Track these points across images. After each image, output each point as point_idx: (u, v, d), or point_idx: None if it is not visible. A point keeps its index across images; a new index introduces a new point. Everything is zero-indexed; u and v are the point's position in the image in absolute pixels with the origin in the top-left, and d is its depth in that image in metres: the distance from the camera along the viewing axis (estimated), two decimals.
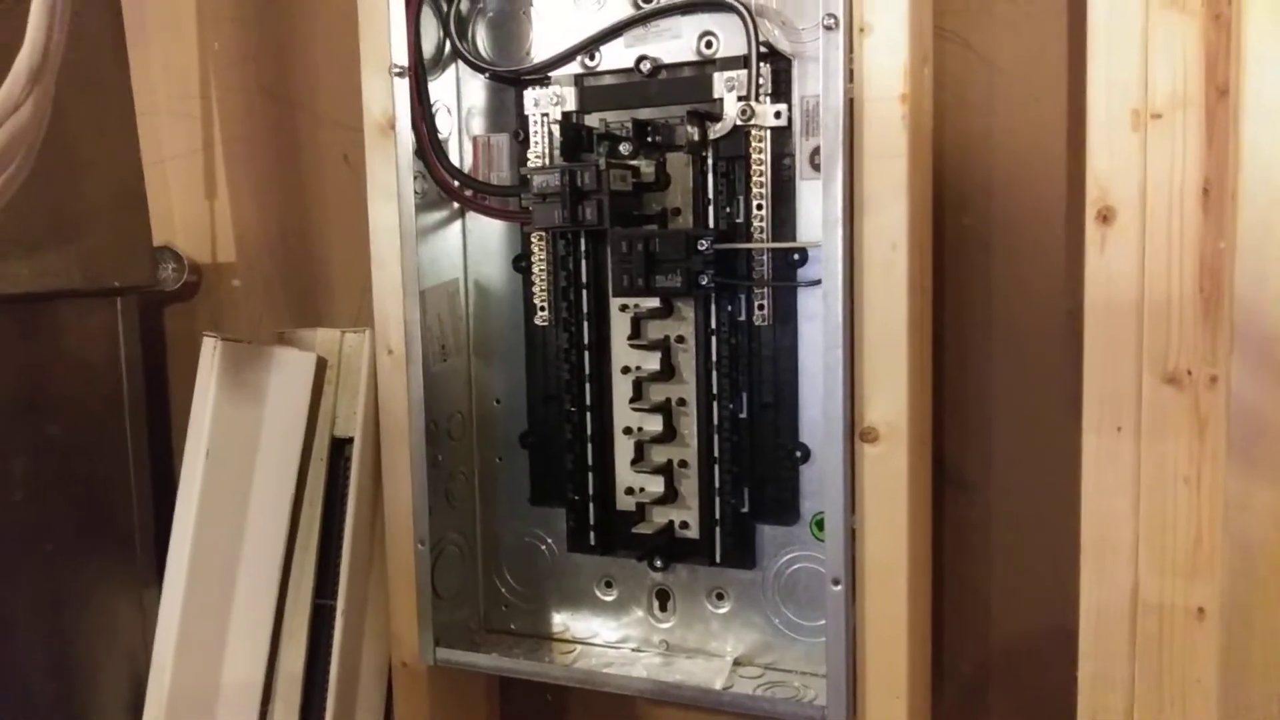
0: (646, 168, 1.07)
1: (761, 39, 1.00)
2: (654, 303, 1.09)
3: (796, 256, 1.04)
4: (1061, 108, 1.03)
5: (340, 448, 1.25)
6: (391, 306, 1.14)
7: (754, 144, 1.03)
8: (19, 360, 1.22)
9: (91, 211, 1.21)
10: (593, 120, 1.10)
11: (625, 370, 1.12)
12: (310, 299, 1.40)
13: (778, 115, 1.02)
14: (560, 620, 1.21)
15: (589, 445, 1.14)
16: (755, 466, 1.09)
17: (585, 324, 1.13)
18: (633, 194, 1.06)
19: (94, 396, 1.30)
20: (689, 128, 1.02)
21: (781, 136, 1.03)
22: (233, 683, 1.21)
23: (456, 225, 1.18)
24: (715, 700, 1.08)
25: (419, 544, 1.16)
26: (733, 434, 1.08)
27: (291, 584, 1.24)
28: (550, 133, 1.11)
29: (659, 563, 1.14)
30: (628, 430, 1.13)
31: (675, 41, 1.06)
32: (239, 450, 1.21)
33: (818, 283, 0.98)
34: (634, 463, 1.13)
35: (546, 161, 1.11)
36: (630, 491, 1.14)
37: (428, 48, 1.11)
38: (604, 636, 1.19)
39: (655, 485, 1.13)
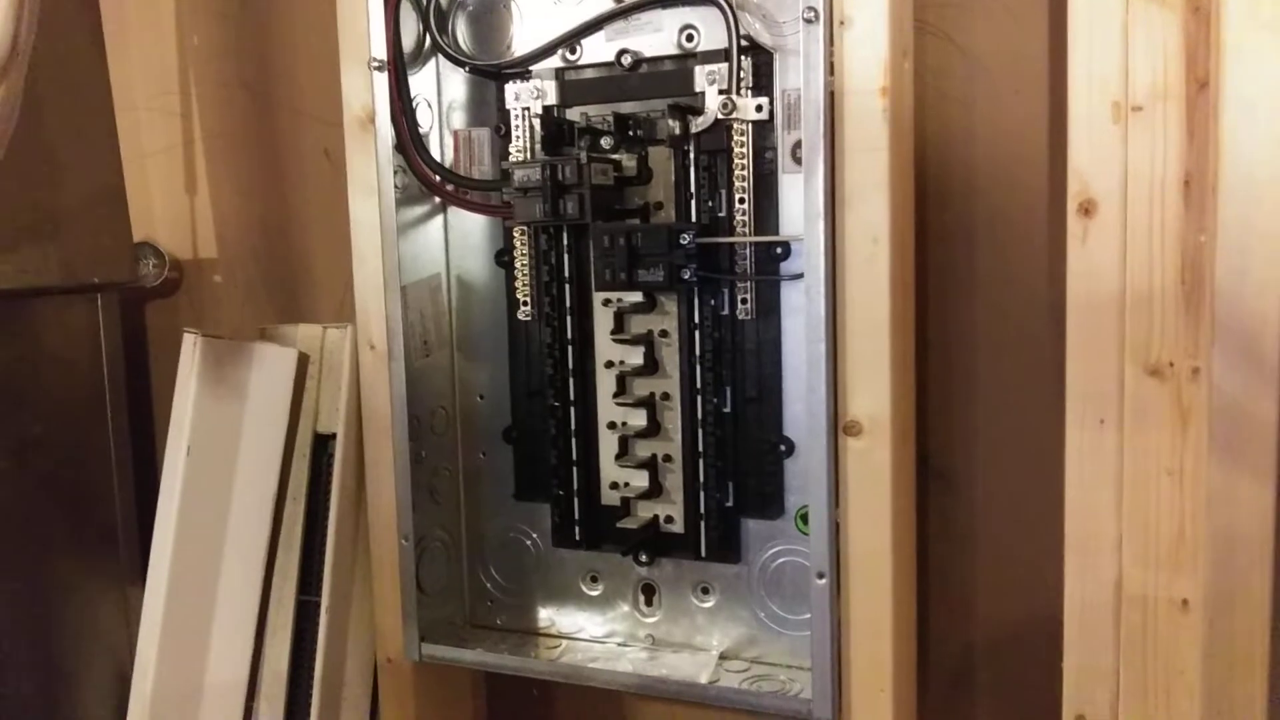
0: (628, 161, 1.07)
1: (742, 32, 1.00)
2: (637, 297, 1.09)
3: (779, 250, 1.03)
4: (1043, 101, 1.03)
5: (323, 443, 1.25)
6: (373, 302, 1.14)
7: (736, 137, 1.03)
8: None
9: (71, 208, 1.20)
10: (574, 114, 1.09)
11: (609, 365, 1.12)
12: (293, 294, 1.39)
13: (759, 109, 1.02)
14: (546, 615, 1.21)
15: (573, 440, 1.14)
16: (739, 461, 1.09)
17: (568, 319, 1.12)
18: (614, 188, 1.06)
19: (75, 393, 1.29)
20: (670, 121, 1.02)
21: (763, 130, 1.03)
22: (217, 680, 1.21)
23: (438, 220, 1.17)
24: (701, 694, 1.08)
25: (403, 540, 1.15)
26: (716, 428, 1.08)
27: (275, 580, 1.24)
28: (531, 127, 1.10)
29: (644, 557, 1.14)
30: (611, 425, 1.13)
31: (656, 35, 1.06)
32: (221, 447, 1.20)
33: (800, 276, 0.98)
34: (618, 457, 1.13)
35: (528, 156, 1.10)
36: (615, 486, 1.14)
37: (407, 42, 1.10)
38: (589, 631, 1.19)
39: (640, 480, 1.12)
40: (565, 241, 1.11)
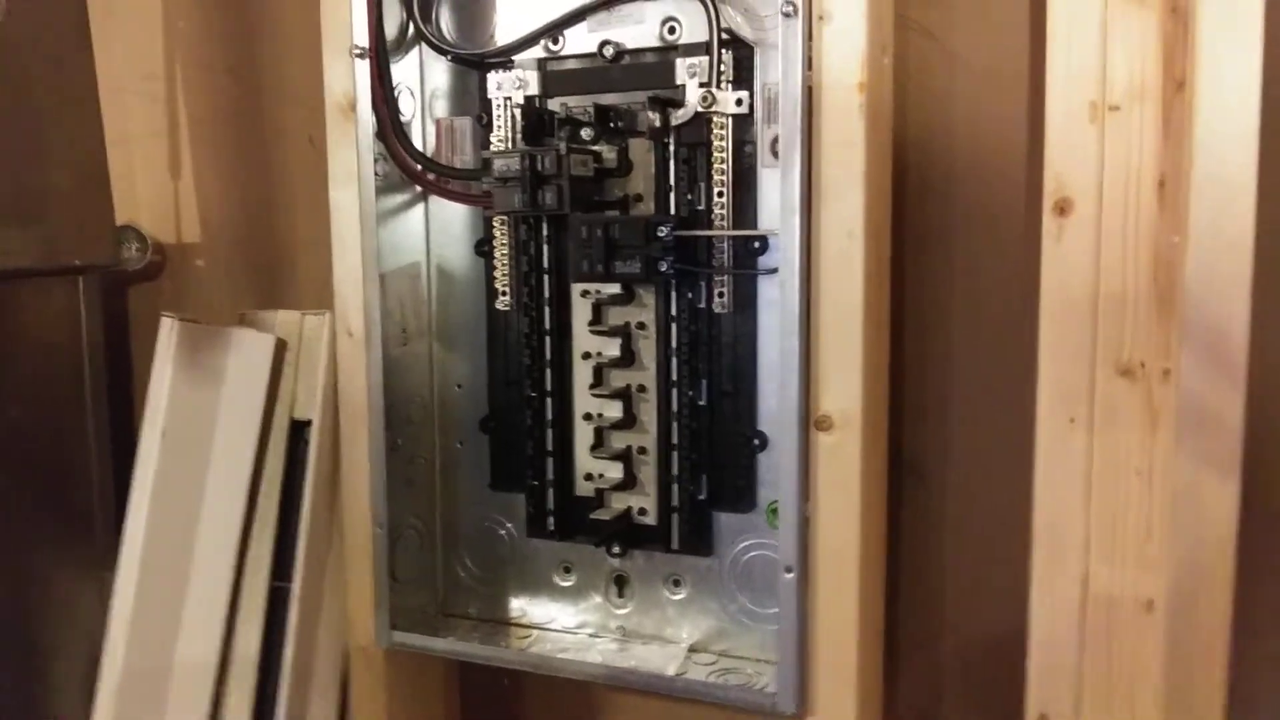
0: (609, 153, 1.07)
1: (723, 25, 1.00)
2: (615, 289, 1.09)
3: (757, 244, 1.04)
4: (1023, 99, 1.04)
5: (299, 430, 1.25)
6: (352, 289, 1.14)
7: (716, 131, 1.03)
8: None
9: (53, 190, 1.20)
10: (555, 105, 1.10)
11: (586, 356, 1.12)
12: (275, 280, 1.39)
13: (739, 103, 1.02)
14: (518, 605, 1.21)
15: (549, 431, 1.14)
16: (713, 454, 1.09)
17: (546, 309, 1.12)
18: (594, 180, 1.06)
19: (55, 376, 1.29)
20: (650, 114, 1.02)
21: (743, 124, 1.03)
22: (186, 662, 1.21)
23: (419, 209, 1.17)
24: (668, 686, 1.08)
25: (377, 527, 1.15)
26: (691, 421, 1.08)
27: (248, 566, 1.24)
28: (513, 117, 1.10)
29: (617, 549, 1.14)
30: (588, 416, 1.13)
31: (638, 27, 1.06)
32: (196, 431, 1.20)
33: (774, 271, 0.98)
34: (594, 449, 1.13)
35: (509, 146, 1.11)
36: (589, 477, 1.14)
37: (390, 29, 1.10)
38: (561, 622, 1.19)
39: (614, 471, 1.12)
40: (544, 232, 1.11)
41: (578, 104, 1.08)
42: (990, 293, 1.09)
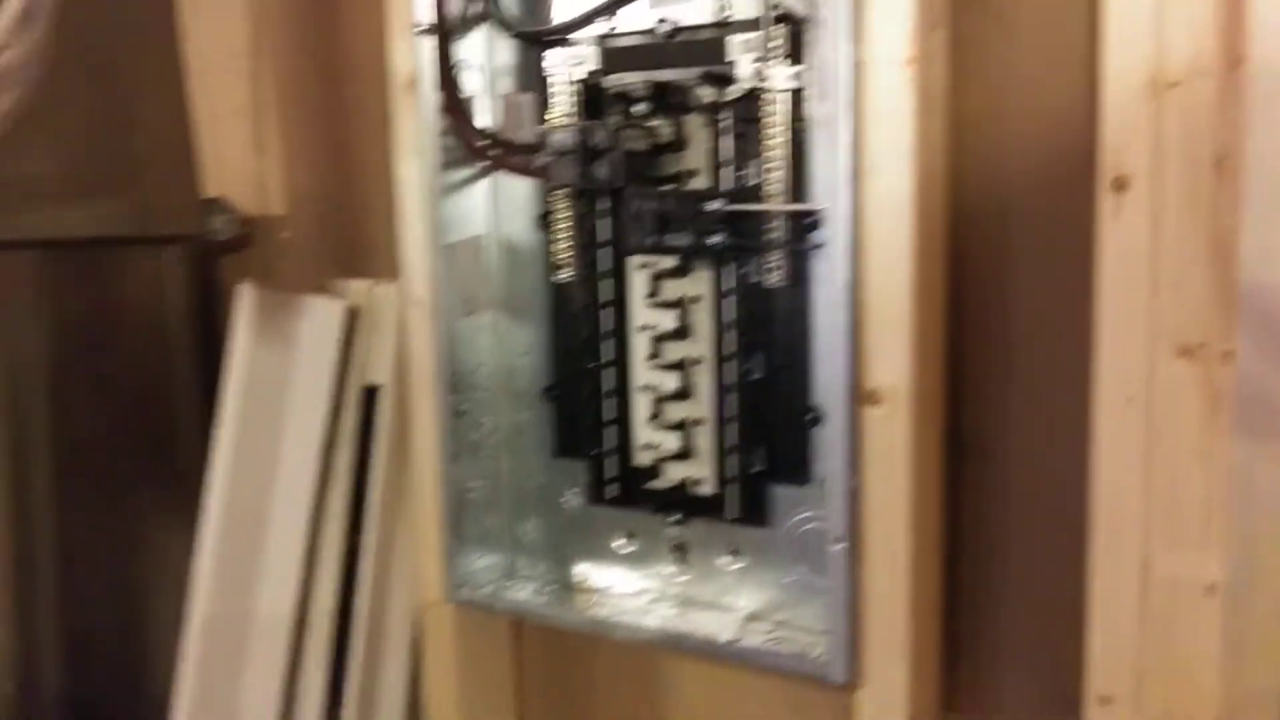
0: (665, 128, 1.08)
1: (775, 1, 1.00)
2: (671, 261, 1.10)
3: (809, 219, 1.04)
4: (1082, 74, 1.01)
5: (372, 394, 1.29)
6: (417, 260, 1.17)
7: (768, 106, 1.03)
8: (77, 304, 1.29)
9: (143, 162, 1.27)
10: (613, 81, 1.11)
11: (643, 328, 1.14)
12: (356, 251, 1.43)
13: (792, 78, 1.02)
14: (580, 570, 1.24)
15: (607, 401, 1.16)
16: (769, 427, 1.10)
17: (605, 281, 1.14)
18: (649, 154, 1.07)
19: (148, 338, 1.36)
20: (704, 89, 1.02)
21: (796, 99, 1.03)
22: (266, 610, 1.27)
23: (485, 182, 1.20)
24: (723, 651, 1.10)
25: (443, 489, 1.19)
26: (746, 394, 1.09)
27: (325, 522, 1.29)
28: (572, 93, 1.12)
29: (676, 517, 1.16)
30: (645, 387, 1.15)
31: (693, 3, 1.06)
32: (271, 392, 1.26)
33: (821, 246, 0.98)
34: (651, 419, 1.15)
35: (570, 121, 1.12)
36: (647, 447, 1.16)
37: (456, 6, 1.12)
38: (621, 587, 1.21)
39: (671, 442, 1.14)
40: (602, 206, 1.13)
41: (635, 80, 1.09)
42: (1053, 269, 1.07)
